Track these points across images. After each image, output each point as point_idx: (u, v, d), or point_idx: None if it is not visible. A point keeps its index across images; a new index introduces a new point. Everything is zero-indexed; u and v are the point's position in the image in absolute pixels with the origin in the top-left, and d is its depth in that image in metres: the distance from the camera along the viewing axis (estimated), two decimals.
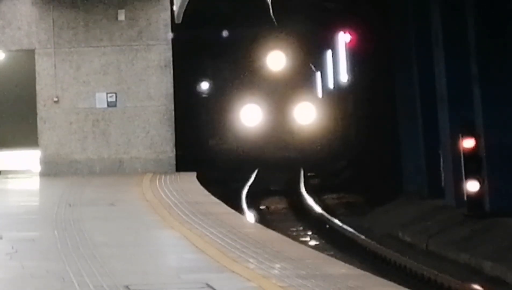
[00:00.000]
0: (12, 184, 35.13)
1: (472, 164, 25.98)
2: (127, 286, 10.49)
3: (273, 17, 40.90)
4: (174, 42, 35.95)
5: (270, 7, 38.80)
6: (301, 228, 32.32)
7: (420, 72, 31.28)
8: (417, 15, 31.87)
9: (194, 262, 13.52)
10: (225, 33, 45.29)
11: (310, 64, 48.41)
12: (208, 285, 10.26)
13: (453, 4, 28.47)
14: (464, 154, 26.49)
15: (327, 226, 31.00)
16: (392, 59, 35.96)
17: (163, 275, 12.38)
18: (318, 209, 34.03)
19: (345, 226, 29.44)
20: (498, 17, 26.47)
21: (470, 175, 25.57)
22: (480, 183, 25.39)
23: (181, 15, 36.07)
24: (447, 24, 28.60)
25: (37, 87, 35.31)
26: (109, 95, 35.16)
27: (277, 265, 12.07)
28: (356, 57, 44.89)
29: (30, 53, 35.87)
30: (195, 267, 12.70)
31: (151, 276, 12.22)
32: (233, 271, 11.15)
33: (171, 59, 35.70)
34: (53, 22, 35.97)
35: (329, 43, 47.49)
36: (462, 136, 26.04)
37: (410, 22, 32.70)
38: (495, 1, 26.76)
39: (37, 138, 35.91)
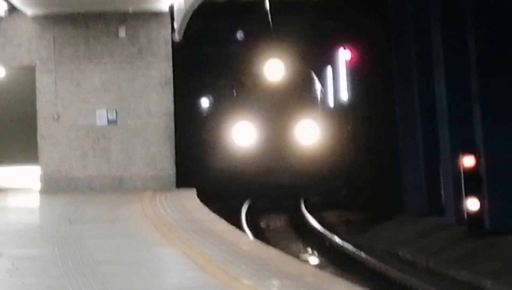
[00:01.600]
0: (12, 201, 35.06)
1: (472, 182, 25.37)
2: None
3: (271, 25, 41.01)
4: (175, 59, 35.85)
5: (271, 24, 38.61)
6: (302, 245, 32.16)
7: (421, 89, 31.18)
8: (417, 33, 31.64)
9: (195, 280, 13.38)
10: (225, 50, 45.77)
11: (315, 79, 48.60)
12: None
13: (454, 23, 28.08)
14: (464, 172, 25.85)
15: (327, 244, 30.84)
16: (392, 76, 35.54)
17: None
18: (318, 227, 33.37)
19: (345, 244, 29.02)
20: (498, 35, 25.58)
21: (470, 193, 24.95)
22: (480, 201, 24.53)
23: (182, 32, 34.73)
24: (448, 42, 28.44)
25: (38, 104, 35.38)
26: (109, 112, 35.30)
27: (278, 283, 12.03)
28: (356, 74, 43.41)
29: (30, 70, 35.79)
30: (195, 285, 12.56)
31: None
32: (233, 289, 11.02)
33: (171, 76, 35.66)
34: (54, 39, 35.95)
35: (329, 60, 47.55)
36: (462, 154, 25.60)
37: (410, 40, 32.35)
38: (496, 20, 26.00)
39: (37, 155, 35.84)
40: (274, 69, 46.09)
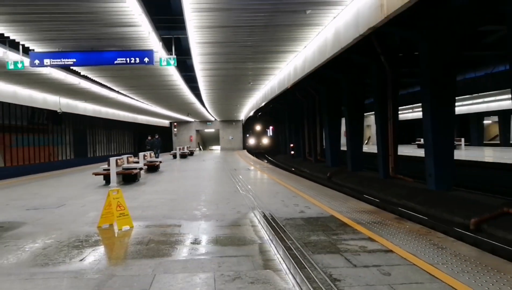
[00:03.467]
0: (212, 152, 41.10)
1: (293, 148, 32.13)
2: (234, 169, 16.58)
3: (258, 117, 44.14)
4: (243, 127, 45.41)
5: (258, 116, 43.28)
6: (263, 158, 37.03)
7: (288, 134, 36.17)
8: (286, 122, 36.73)
9: (247, 166, 19.26)
10: (250, 126, 49.09)
11: (267, 130, 50.91)
12: (249, 169, 16.46)
13: (291, 117, 32.25)
14: (292, 146, 33.12)
15: (268, 157, 39.35)
16: (280, 132, 41.31)
17: (239, 166, 19.06)
18: (267, 156, 41.18)
19: (271, 158, 37.94)
20: (296, 119, 30.26)
21: (293, 150, 31.86)
22: (294, 151, 31.73)
23: (244, 121, 43.55)
24: (290, 123, 33.58)
25: (220, 136, 44.57)
26: (231, 137, 44.64)
27: (259, 165, 20.88)
28: (273, 131, 49.05)
29: (217, 130, 44.75)
30: (245, 167, 19.38)
31: (237, 166, 18.99)
32: (250, 168, 17.82)
33: (242, 131, 45.02)
34: (222, 124, 43.52)
35: (268, 127, 50.44)
36: (291, 143, 33.32)
37: (286, 123, 37.23)
38: (294, 115, 30.14)
39: (219, 144, 45.17)
40: (259, 128, 49.16)
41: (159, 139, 25.17)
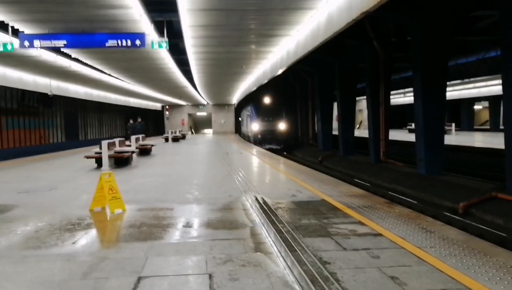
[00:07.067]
0: (205, 135, 39.90)
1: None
2: (226, 153, 16.34)
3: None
4: (235, 110, 42.43)
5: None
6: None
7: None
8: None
9: (238, 149, 19.86)
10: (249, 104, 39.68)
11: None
12: (241, 153, 16.23)
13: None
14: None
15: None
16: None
17: (231, 150, 18.94)
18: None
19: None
20: (288, 103, 27.88)
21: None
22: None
23: (236, 104, 38.86)
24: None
25: (212, 119, 42.59)
26: (223, 121, 42.83)
27: (256, 151, 18.94)
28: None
29: (210, 114, 42.51)
30: (237, 151, 18.89)
31: (229, 150, 19.03)
32: (242, 153, 17.64)
33: (234, 113, 42.46)
34: (214, 107, 41.61)
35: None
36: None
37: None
38: (286, 98, 27.38)
39: (211, 127, 43.10)
40: (271, 102, 34.29)
41: (142, 123, 24.23)
